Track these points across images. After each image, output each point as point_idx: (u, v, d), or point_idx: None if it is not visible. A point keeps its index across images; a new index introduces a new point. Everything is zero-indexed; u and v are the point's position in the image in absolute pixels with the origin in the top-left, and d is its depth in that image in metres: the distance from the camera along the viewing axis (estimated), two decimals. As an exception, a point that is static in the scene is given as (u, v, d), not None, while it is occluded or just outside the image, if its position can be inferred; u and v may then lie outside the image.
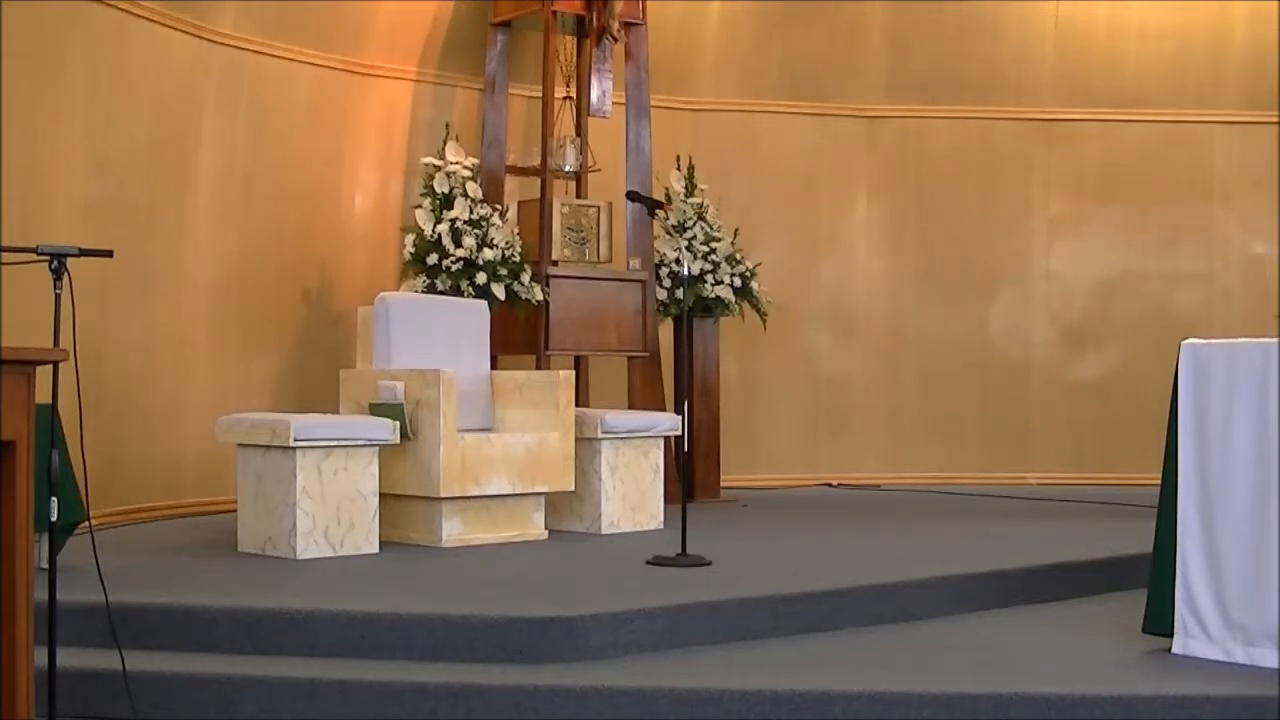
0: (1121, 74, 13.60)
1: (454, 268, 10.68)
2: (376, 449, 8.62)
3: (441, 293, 10.63)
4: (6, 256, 5.65)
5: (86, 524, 6.96)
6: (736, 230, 12.31)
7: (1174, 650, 6.46)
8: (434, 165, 11.06)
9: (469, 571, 8.04)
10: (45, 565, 5.90)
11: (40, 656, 5.19)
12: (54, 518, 5.75)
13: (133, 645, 6.29)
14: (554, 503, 9.55)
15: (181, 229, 10.52)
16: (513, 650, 6.48)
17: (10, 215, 8.74)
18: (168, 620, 6.71)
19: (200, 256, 10.67)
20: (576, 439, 9.49)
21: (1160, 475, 6.53)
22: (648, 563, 8.07)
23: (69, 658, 5.99)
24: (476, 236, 10.77)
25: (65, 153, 9.50)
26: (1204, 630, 6.37)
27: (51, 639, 5.65)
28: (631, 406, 11.40)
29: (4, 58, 9.03)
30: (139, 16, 10.05)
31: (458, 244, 10.74)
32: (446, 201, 10.92)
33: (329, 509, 8.38)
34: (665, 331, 12.09)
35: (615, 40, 11.77)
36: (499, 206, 11.25)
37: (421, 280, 10.79)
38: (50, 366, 5.26)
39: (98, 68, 9.75)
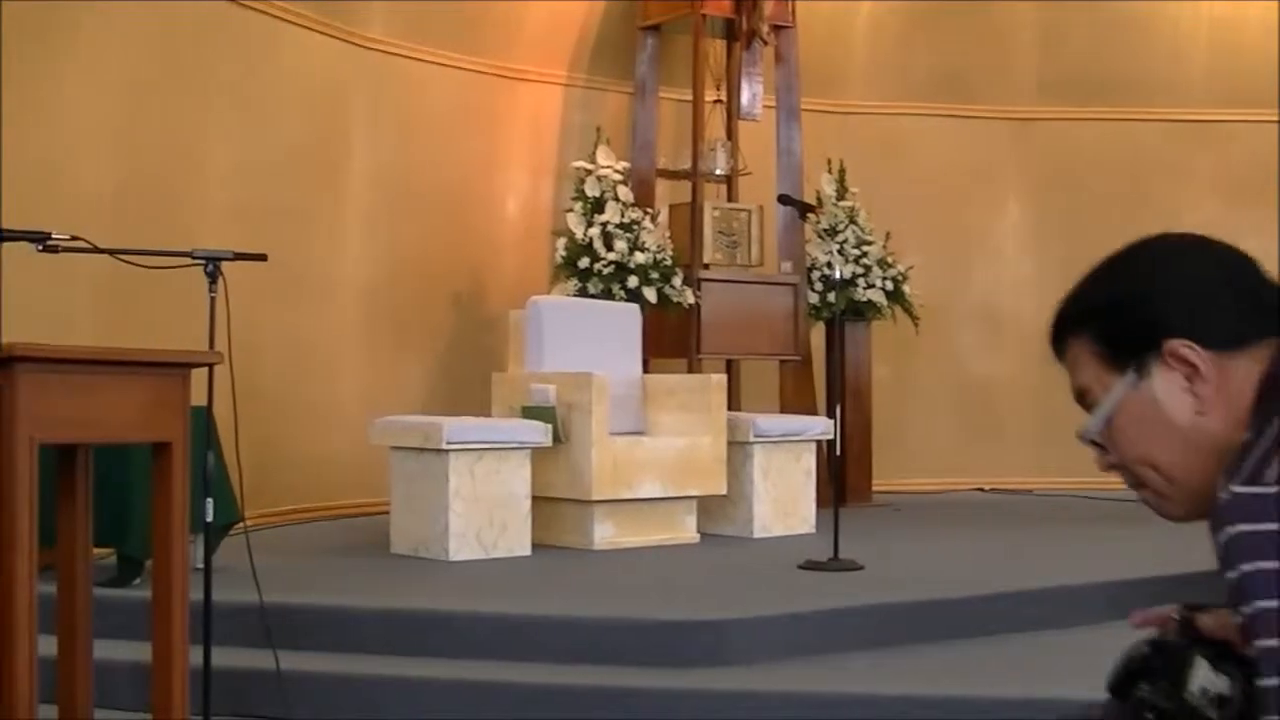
0: (1273, 74, 13.36)
1: (605, 271, 10.69)
2: (529, 452, 8.64)
3: (593, 296, 10.64)
4: (163, 260, 5.72)
5: (241, 525, 7.05)
6: (888, 234, 12.23)
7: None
8: (585, 169, 11.08)
9: (620, 574, 8.05)
10: (200, 565, 5.98)
11: (195, 655, 5.25)
12: (209, 518, 5.82)
13: (285, 645, 6.34)
14: (705, 506, 9.53)
15: (331, 233, 10.62)
16: (662, 653, 6.47)
17: (164, 219, 8.86)
18: (320, 621, 6.77)
19: (351, 260, 10.77)
20: (728, 442, 9.46)
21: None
22: (799, 567, 8.04)
23: (223, 657, 6.05)
24: (628, 240, 10.78)
25: (217, 157, 9.62)
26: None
27: (206, 638, 5.72)
28: (783, 410, 11.35)
29: (157, 62, 9.17)
30: (288, 22, 10.16)
31: (609, 247, 10.75)
32: (598, 205, 10.94)
33: (481, 511, 8.41)
34: (816, 335, 12.03)
35: (765, 43, 11.74)
36: (650, 210, 11.25)
37: (573, 284, 10.82)
38: (205, 369, 5.33)
39: (248, 73, 9.86)
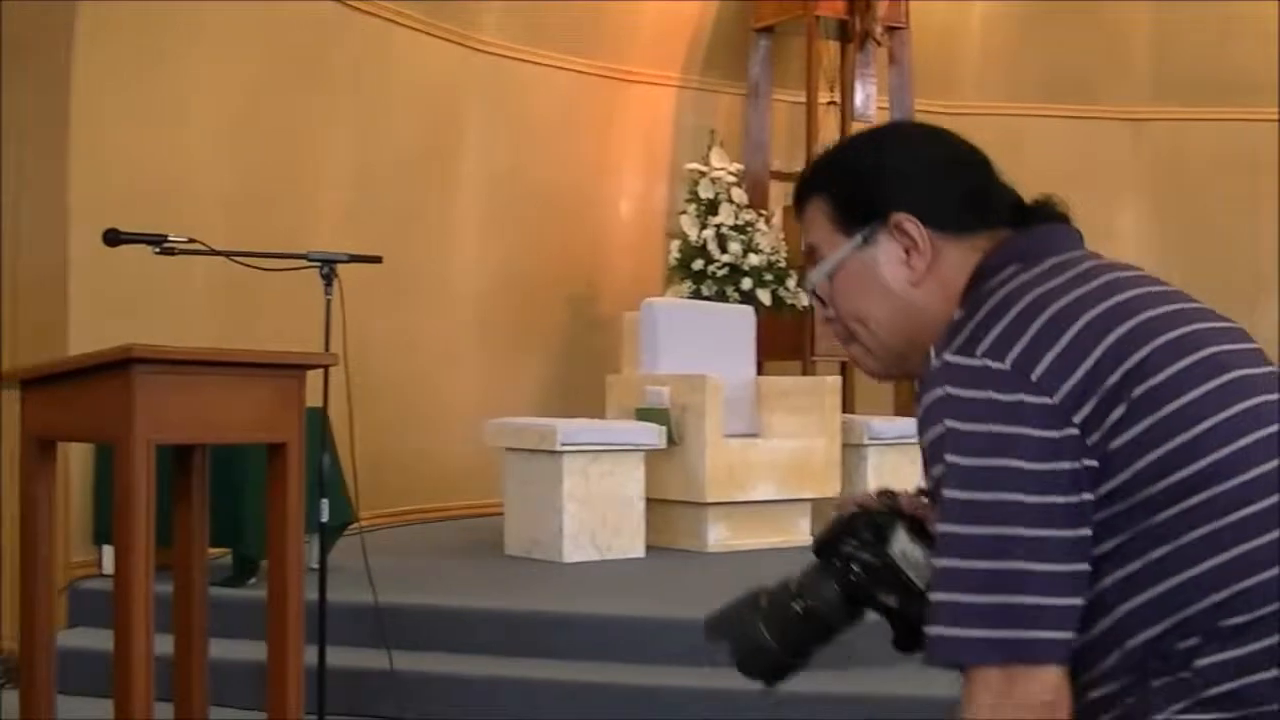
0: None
1: (719, 273, 10.69)
2: (643, 454, 8.64)
3: (707, 298, 10.65)
4: (279, 263, 5.77)
5: (356, 525, 7.10)
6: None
7: None
8: (699, 171, 11.08)
9: (733, 577, 8.02)
10: (316, 566, 6.03)
11: (310, 655, 5.29)
12: (324, 519, 5.86)
13: (399, 645, 6.38)
14: (819, 509, 9.49)
15: (444, 235, 10.67)
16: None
17: (279, 221, 8.93)
18: (433, 621, 6.81)
19: (464, 262, 10.82)
20: (842, 445, 9.43)
21: None
22: (912, 570, 7.98)
23: (337, 657, 6.09)
24: (742, 242, 10.77)
25: (331, 160, 9.69)
26: None
27: (321, 638, 5.76)
28: (897, 413, 11.30)
29: (272, 65, 9.25)
30: (402, 25, 10.22)
31: (723, 250, 10.75)
32: (712, 207, 10.94)
33: (595, 513, 8.42)
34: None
35: (878, 44, 11.71)
36: (764, 212, 11.24)
37: (687, 286, 10.82)
38: (321, 370, 5.37)
39: (362, 75, 9.93)
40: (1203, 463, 1.99)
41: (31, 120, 8.10)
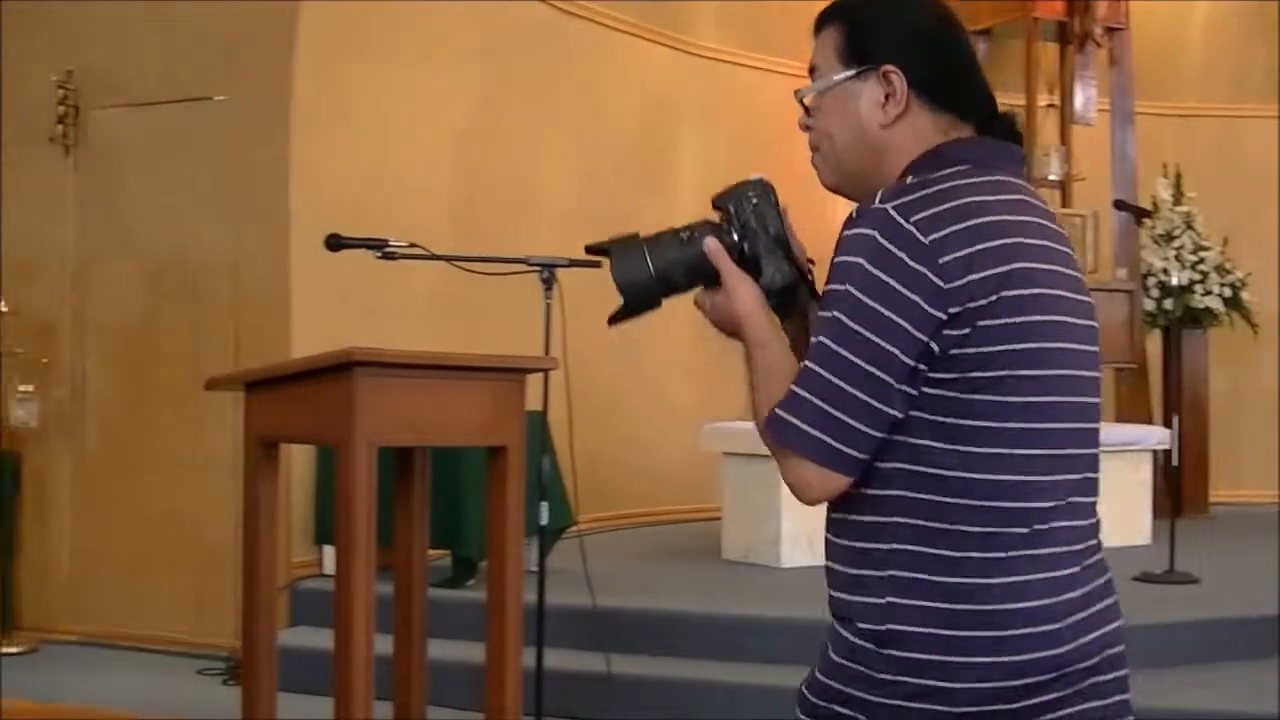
0: None
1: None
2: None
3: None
4: (499, 267, 5.81)
5: (574, 529, 7.13)
6: (1225, 240, 11.90)
7: None
8: (924, 175, 11.01)
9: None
10: (534, 568, 6.06)
11: (528, 657, 5.32)
12: (544, 522, 5.90)
13: (615, 649, 6.40)
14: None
15: (662, 239, 10.67)
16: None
17: (500, 226, 9.00)
18: (650, 625, 6.82)
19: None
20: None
21: None
22: (1133, 579, 7.86)
23: (555, 659, 6.12)
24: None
25: (551, 164, 9.75)
26: None
27: (539, 640, 5.79)
28: (1118, 419, 11.13)
29: (492, 72, 9.34)
30: (619, 30, 10.26)
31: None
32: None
33: (814, 517, 8.34)
34: (1152, 343, 11.76)
35: (1098, 46, 11.54)
36: (984, 216, 11.14)
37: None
38: (541, 374, 5.40)
39: (580, 81, 9.98)
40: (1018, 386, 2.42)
41: (254, 125, 8.25)
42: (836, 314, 2.41)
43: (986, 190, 2.47)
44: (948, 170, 2.50)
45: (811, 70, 2.72)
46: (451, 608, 6.87)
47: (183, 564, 8.36)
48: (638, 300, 2.71)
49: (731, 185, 2.79)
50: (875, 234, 2.41)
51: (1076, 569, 2.48)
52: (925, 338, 2.37)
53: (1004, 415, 2.40)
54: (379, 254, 5.44)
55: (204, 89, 8.37)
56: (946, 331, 2.37)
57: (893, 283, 2.37)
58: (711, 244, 2.67)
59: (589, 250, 2.80)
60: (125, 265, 8.62)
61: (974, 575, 2.40)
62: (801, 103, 2.75)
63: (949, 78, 2.61)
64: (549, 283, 5.73)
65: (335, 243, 5.41)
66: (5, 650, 8.31)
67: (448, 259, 5.75)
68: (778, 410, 2.45)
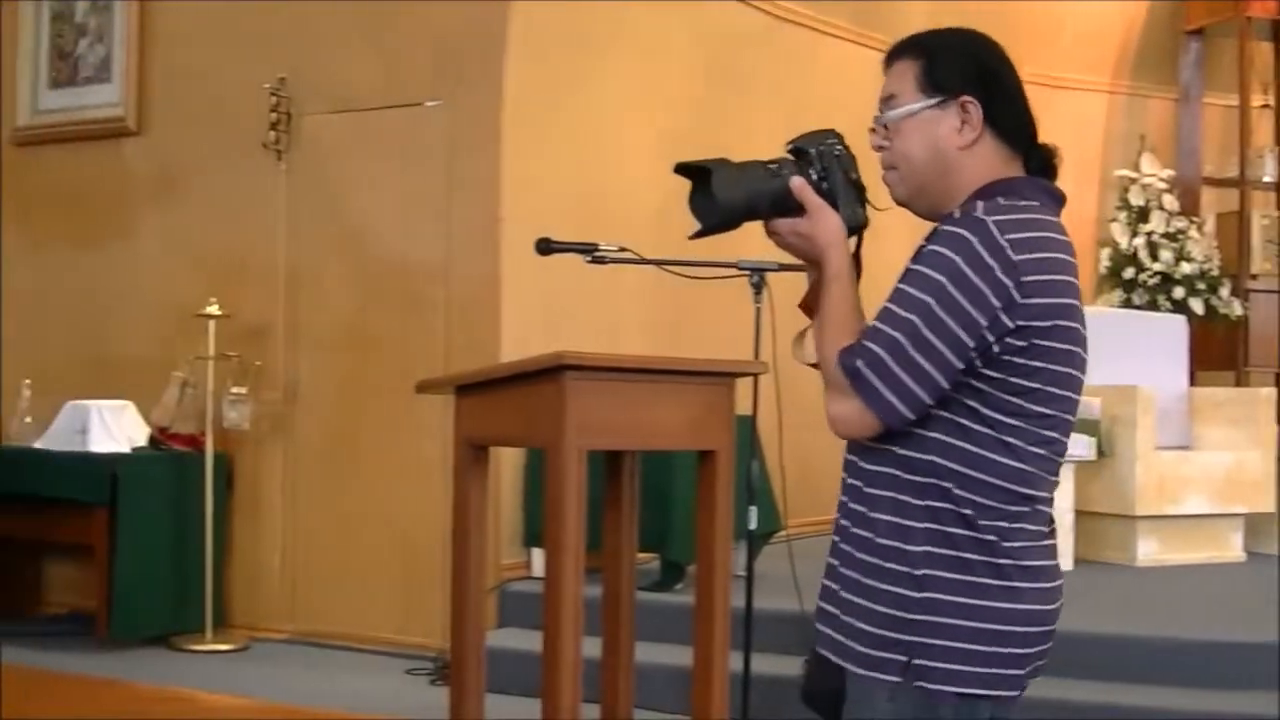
0: None
1: (1151, 282, 10.45)
2: (1072, 465, 8.47)
3: (1138, 307, 10.42)
4: (709, 271, 5.79)
5: (782, 533, 7.09)
6: None
7: None
8: (1129, 178, 10.84)
9: (1163, 592, 7.83)
10: (743, 572, 6.04)
11: (735, 660, 5.29)
12: (752, 526, 5.87)
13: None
14: (1253, 524, 9.19)
15: (872, 242, 10.60)
16: (1203, 675, 6.28)
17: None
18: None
19: (889, 271, 10.74)
20: (1277, 457, 9.11)
21: None
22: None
23: (762, 663, 6.10)
24: (1174, 250, 10.51)
25: (760, 169, 9.72)
26: None
27: (747, 644, 5.78)
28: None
29: (700, 76, 9.32)
30: (829, 34, 10.21)
31: (1154, 258, 10.51)
32: (1142, 215, 10.70)
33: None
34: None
35: (1315, 44, 11.31)
36: (1196, 219, 10.95)
37: (1117, 294, 10.61)
38: (750, 378, 5.37)
39: (787, 84, 9.94)
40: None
41: (466, 130, 8.30)
42: (904, 287, 2.87)
43: (1054, 229, 2.94)
44: (1024, 203, 2.92)
45: (888, 98, 3.07)
46: (659, 611, 6.87)
47: (392, 565, 8.44)
48: (723, 221, 3.04)
49: (810, 132, 3.13)
50: (974, 240, 2.80)
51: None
52: (992, 339, 2.81)
53: (1025, 419, 2.87)
54: (589, 258, 5.45)
55: (415, 94, 8.46)
56: (1009, 340, 2.81)
57: (980, 284, 2.79)
58: (798, 181, 3.04)
59: (680, 167, 3.13)
60: (337, 269, 8.73)
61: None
62: (883, 126, 3.09)
63: (1010, 109, 3.04)
64: (759, 287, 5.72)
65: (545, 247, 5.43)
66: (217, 648, 8.45)
67: (658, 263, 5.75)
68: (847, 357, 2.89)
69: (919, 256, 2.89)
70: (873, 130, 3.11)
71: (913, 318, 2.82)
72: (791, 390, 5.74)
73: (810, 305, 3.12)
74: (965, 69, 3.04)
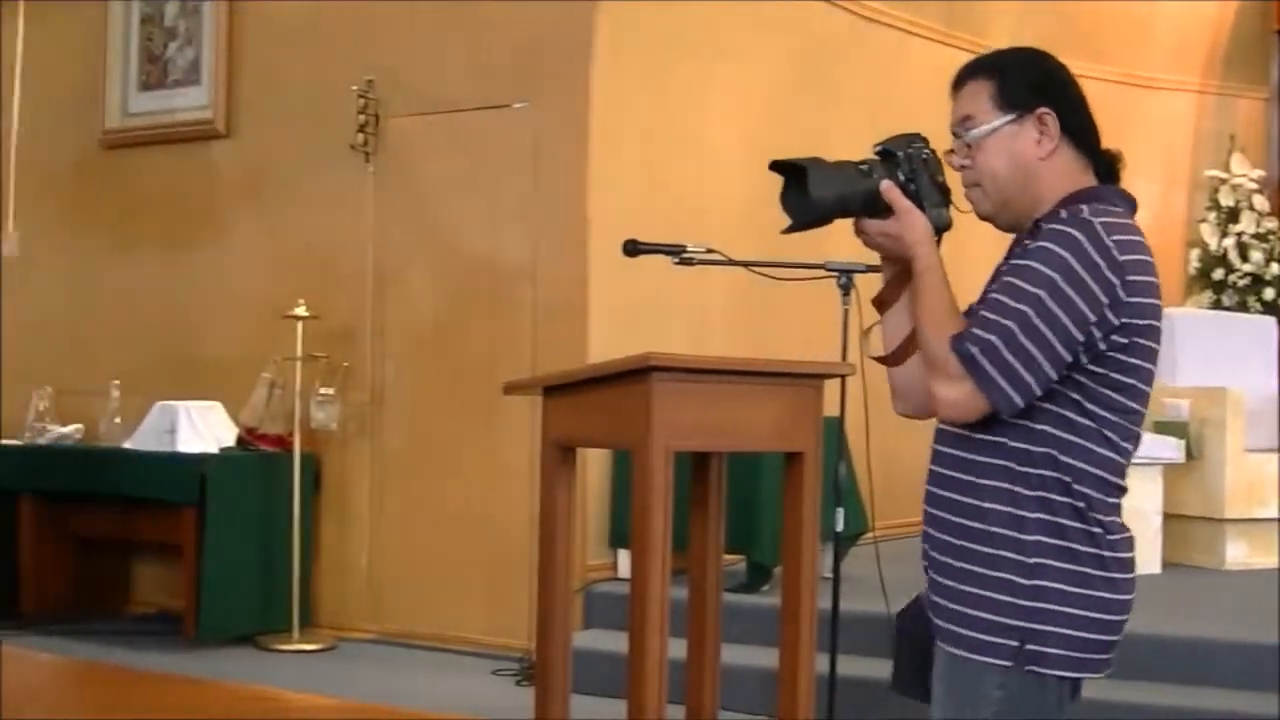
0: None
1: (1240, 283, 10.37)
2: (1160, 468, 8.41)
3: (1227, 308, 10.34)
4: (796, 273, 5.78)
5: (869, 535, 7.07)
6: None
7: None
8: (1219, 178, 10.76)
9: (1253, 597, 7.76)
10: (829, 574, 6.02)
11: (821, 662, 5.28)
12: (839, 528, 5.86)
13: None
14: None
15: (958, 244, 10.56)
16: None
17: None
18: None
19: (977, 271, 10.69)
20: (1367, 462, 9.03)
21: None
22: None
23: (848, 666, 6.08)
24: (1264, 251, 10.43)
25: (847, 170, 9.69)
26: None
27: (833, 646, 5.76)
28: None
29: (789, 77, 9.31)
30: (917, 34, 10.17)
31: (1244, 259, 10.42)
32: (1232, 215, 10.62)
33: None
34: None
35: None
36: (1288, 220, 10.86)
37: (1207, 296, 10.53)
38: (838, 380, 5.36)
39: (877, 85, 9.91)
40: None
41: (552, 131, 8.32)
42: (1014, 280, 2.99)
43: (1140, 234, 3.06)
44: (1109, 208, 3.06)
45: (965, 119, 3.20)
46: (745, 612, 6.86)
47: (478, 565, 8.46)
48: (815, 218, 3.16)
49: (898, 135, 3.23)
50: (1083, 239, 2.95)
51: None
52: (1099, 335, 2.95)
53: (1122, 414, 3.05)
54: (676, 259, 5.45)
55: (503, 96, 8.48)
56: (1114, 337, 2.97)
57: (1089, 281, 2.94)
58: (887, 184, 3.14)
59: (775, 165, 3.24)
60: (425, 270, 8.77)
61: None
62: (965, 145, 3.19)
63: (1079, 117, 3.17)
64: (846, 288, 5.70)
65: (633, 248, 5.43)
66: (303, 648, 8.51)
67: (745, 264, 5.74)
68: (961, 343, 2.99)
69: (1027, 253, 3.03)
70: (951, 151, 3.23)
71: (1025, 309, 2.94)
72: (879, 392, 5.73)
73: (884, 299, 3.28)
74: (1037, 83, 3.17)
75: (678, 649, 4.76)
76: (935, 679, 3.18)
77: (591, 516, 8.12)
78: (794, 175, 3.19)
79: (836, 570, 6.04)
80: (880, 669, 6.24)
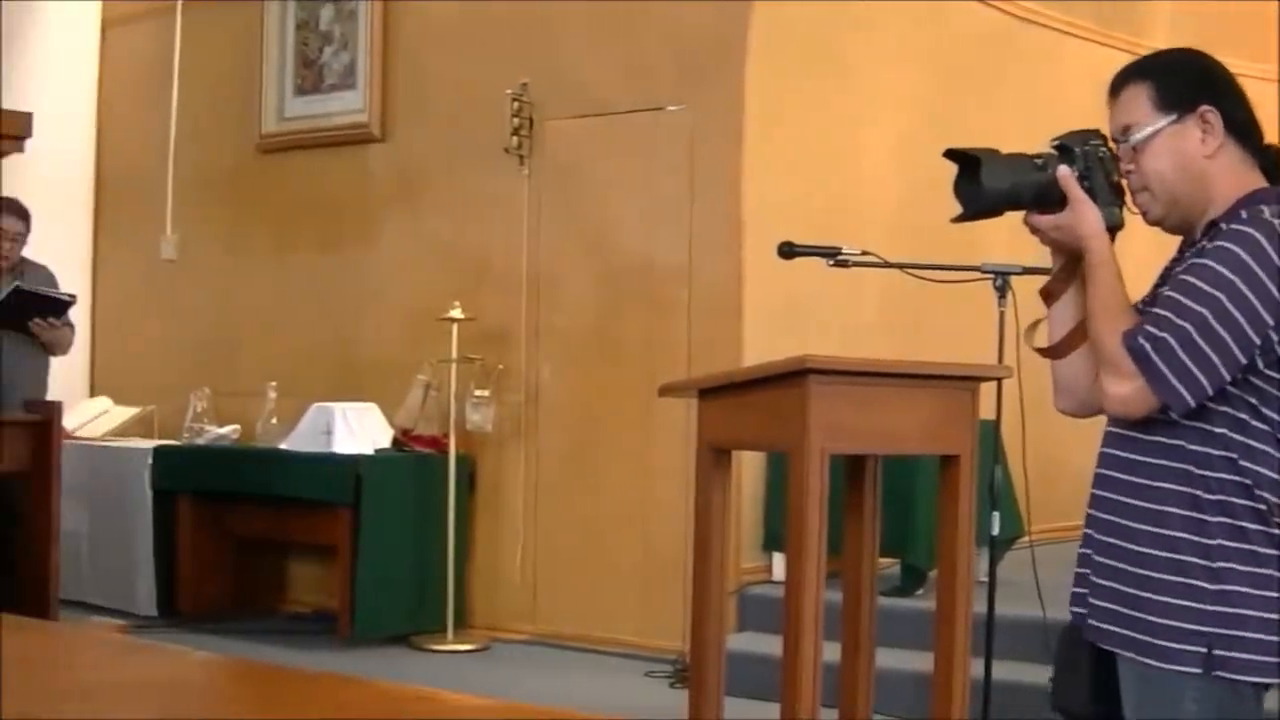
0: None
1: None
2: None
3: None
4: (951, 275, 5.74)
5: (1025, 539, 7.00)
6: None
7: None
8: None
9: None
10: (984, 578, 5.97)
11: (976, 667, 5.24)
12: (995, 532, 5.81)
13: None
14: None
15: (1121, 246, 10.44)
16: None
17: (949, 231, 8.89)
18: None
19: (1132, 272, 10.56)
20: None
21: None
22: None
23: (1003, 670, 6.02)
24: None
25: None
26: None
27: (988, 651, 5.72)
28: None
29: (941, 78, 9.24)
30: (1073, 34, 10.06)
31: None
32: None
33: None
34: None
35: None
36: None
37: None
38: (994, 383, 5.31)
39: (1032, 86, 9.83)
40: None
41: (707, 133, 8.31)
42: (1191, 279, 2.96)
43: None
44: None
45: (1125, 128, 3.15)
46: (900, 616, 6.82)
47: (632, 567, 8.47)
48: (986, 207, 3.19)
49: (1075, 130, 3.20)
50: (1261, 239, 2.92)
51: None
52: (1276, 339, 2.92)
53: None
54: (831, 261, 5.43)
55: (657, 98, 8.49)
56: None
57: (1269, 284, 2.90)
58: (1065, 170, 3.11)
59: (949, 153, 3.28)
60: (579, 272, 8.79)
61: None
62: (1131, 149, 3.14)
63: (1240, 113, 3.13)
64: (1002, 290, 5.66)
65: (789, 250, 5.42)
66: (457, 648, 8.56)
67: (901, 266, 5.71)
68: (1135, 340, 2.96)
69: (1205, 253, 2.99)
70: (1115, 158, 3.18)
71: (1203, 310, 2.91)
72: (1035, 394, 5.67)
73: (1051, 291, 3.25)
74: (1196, 81, 3.14)
75: (831, 652, 4.74)
76: (1124, 691, 3.10)
77: (746, 519, 8.10)
78: (968, 164, 3.21)
79: (992, 574, 5.99)
80: (1035, 674, 6.20)
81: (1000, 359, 5.60)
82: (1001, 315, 5.67)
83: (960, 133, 9.24)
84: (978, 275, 5.73)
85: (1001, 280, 5.67)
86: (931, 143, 9.15)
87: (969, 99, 9.42)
